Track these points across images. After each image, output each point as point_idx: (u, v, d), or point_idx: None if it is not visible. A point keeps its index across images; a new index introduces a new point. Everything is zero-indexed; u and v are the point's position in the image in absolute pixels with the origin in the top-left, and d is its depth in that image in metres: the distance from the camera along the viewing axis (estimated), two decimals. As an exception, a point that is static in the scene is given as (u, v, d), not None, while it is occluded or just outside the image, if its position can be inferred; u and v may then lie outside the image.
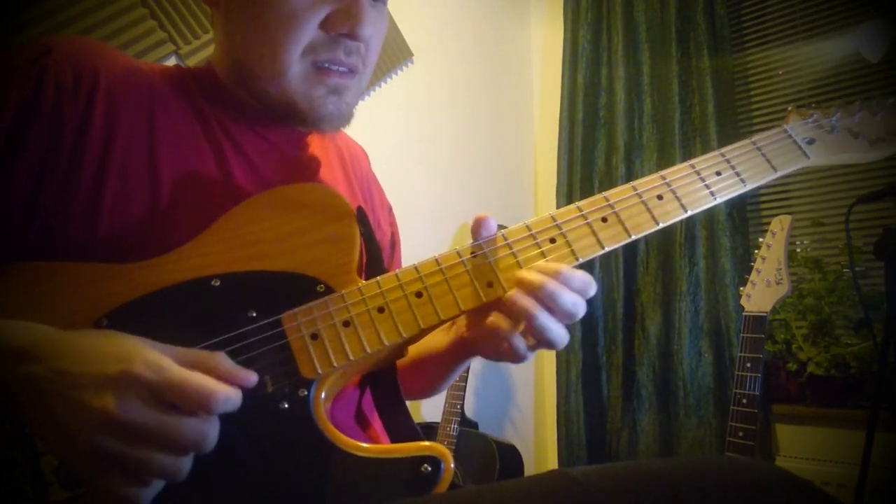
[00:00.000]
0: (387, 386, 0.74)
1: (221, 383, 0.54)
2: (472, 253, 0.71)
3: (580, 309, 0.68)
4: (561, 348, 0.70)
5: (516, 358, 0.70)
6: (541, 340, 0.69)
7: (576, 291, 0.68)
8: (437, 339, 0.85)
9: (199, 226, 0.70)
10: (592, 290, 0.69)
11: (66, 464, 0.55)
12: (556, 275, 0.68)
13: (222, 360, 0.57)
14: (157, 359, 0.53)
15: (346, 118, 0.81)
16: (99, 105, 0.71)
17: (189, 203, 0.73)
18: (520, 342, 0.69)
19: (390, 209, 1.02)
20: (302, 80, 0.76)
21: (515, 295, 0.67)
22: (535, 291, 0.67)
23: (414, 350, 0.88)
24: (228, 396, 0.54)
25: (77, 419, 0.51)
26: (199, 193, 0.74)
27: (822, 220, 2.15)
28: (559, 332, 0.68)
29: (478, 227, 0.71)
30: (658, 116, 2.40)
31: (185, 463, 0.54)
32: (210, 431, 0.54)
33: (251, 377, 0.58)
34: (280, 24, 0.74)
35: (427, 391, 0.94)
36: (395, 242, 1.00)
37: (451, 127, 2.57)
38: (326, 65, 0.76)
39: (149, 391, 0.52)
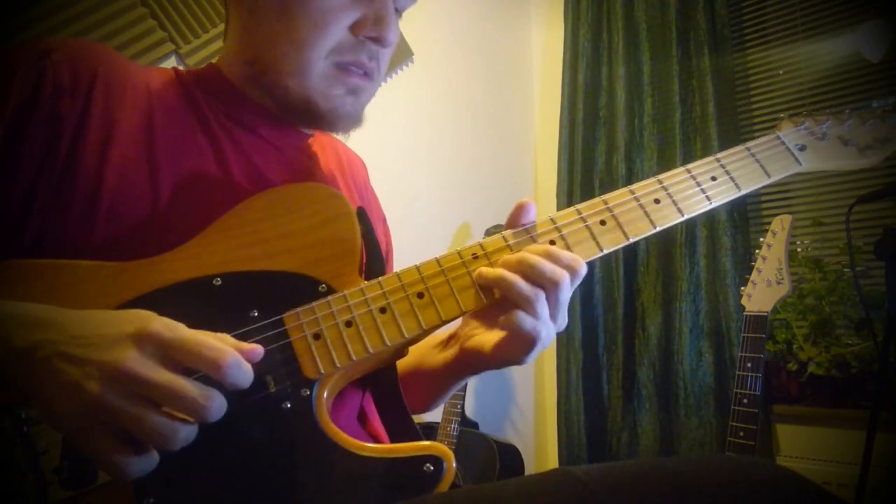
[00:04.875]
0: (387, 386, 0.74)
1: (232, 349, 0.56)
2: (472, 255, 0.71)
3: (558, 275, 0.68)
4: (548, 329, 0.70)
5: (525, 343, 0.70)
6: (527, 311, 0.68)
7: (564, 265, 0.69)
8: (433, 357, 0.85)
9: (199, 225, 0.70)
10: (582, 268, 0.70)
11: (59, 429, 0.55)
12: (540, 252, 0.69)
13: (227, 336, 0.58)
14: (172, 322, 0.55)
15: (358, 120, 0.83)
16: (97, 104, 0.71)
17: (189, 202, 0.73)
18: (524, 317, 0.68)
19: (385, 220, 1.03)
20: (323, 79, 0.77)
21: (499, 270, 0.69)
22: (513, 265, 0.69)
23: (408, 364, 0.88)
24: (239, 361, 0.55)
25: (83, 375, 0.52)
26: (199, 192, 0.74)
27: (822, 219, 2.15)
28: (531, 295, 0.67)
29: (519, 212, 0.74)
30: (658, 116, 2.39)
31: (180, 431, 0.54)
32: (215, 400, 0.54)
33: (257, 349, 0.59)
34: (310, 23, 0.75)
35: (419, 408, 0.92)
36: (388, 253, 1.01)
37: (451, 127, 2.57)
38: (347, 66, 0.78)
39: (164, 348, 0.54)
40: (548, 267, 0.68)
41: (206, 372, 0.55)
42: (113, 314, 0.57)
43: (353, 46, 0.77)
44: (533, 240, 0.72)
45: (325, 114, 0.79)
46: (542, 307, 0.68)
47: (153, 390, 0.52)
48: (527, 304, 0.68)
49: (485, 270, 0.69)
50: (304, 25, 0.75)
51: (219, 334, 0.58)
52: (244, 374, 0.56)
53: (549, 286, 0.68)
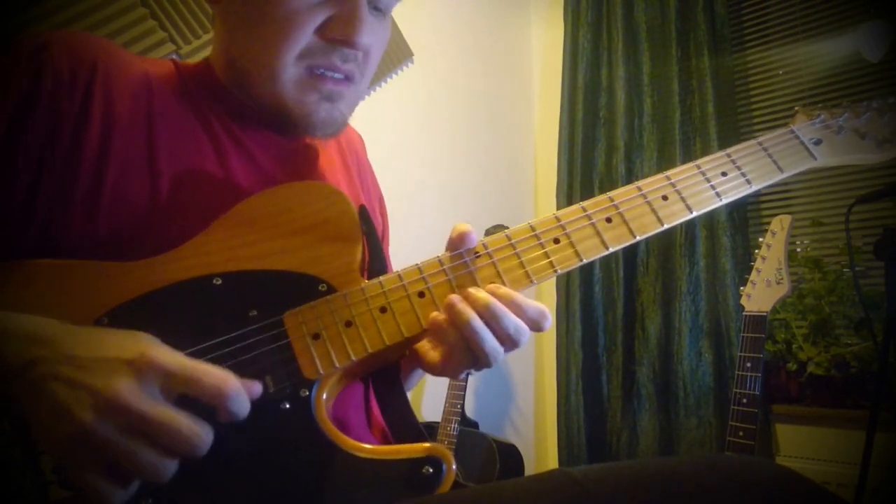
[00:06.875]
0: (389, 384, 0.74)
1: (234, 377, 0.55)
2: (475, 253, 0.70)
3: (522, 334, 0.67)
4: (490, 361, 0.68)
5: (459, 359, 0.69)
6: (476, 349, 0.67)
7: (528, 319, 0.67)
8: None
9: (200, 223, 0.69)
10: (547, 322, 0.68)
11: (49, 451, 0.55)
12: (507, 300, 0.67)
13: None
14: (172, 350, 0.55)
15: (338, 125, 0.80)
16: (96, 98, 0.71)
17: (189, 200, 0.73)
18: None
19: (381, 199, 1.02)
20: (295, 85, 0.75)
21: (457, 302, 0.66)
22: (479, 308, 0.66)
23: None
24: (241, 389, 0.55)
25: (75, 400, 0.51)
26: (200, 190, 0.74)
27: (822, 219, 2.15)
28: (493, 346, 0.66)
29: (459, 239, 0.70)
30: (658, 116, 2.39)
31: (170, 466, 0.54)
32: (206, 436, 0.54)
33: (255, 386, 0.59)
34: (277, 26, 0.73)
35: None
36: (384, 233, 1.00)
37: (451, 127, 2.57)
38: (321, 71, 0.75)
39: (164, 377, 0.53)
40: (511, 322, 0.66)
41: (208, 400, 0.54)
42: (112, 334, 0.57)
43: (324, 49, 0.74)
44: (537, 238, 0.72)
45: (299, 120, 0.77)
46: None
47: (147, 425, 0.52)
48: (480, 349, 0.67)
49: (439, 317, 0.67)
50: (271, 30, 0.73)
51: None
52: (244, 405, 0.56)
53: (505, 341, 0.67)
